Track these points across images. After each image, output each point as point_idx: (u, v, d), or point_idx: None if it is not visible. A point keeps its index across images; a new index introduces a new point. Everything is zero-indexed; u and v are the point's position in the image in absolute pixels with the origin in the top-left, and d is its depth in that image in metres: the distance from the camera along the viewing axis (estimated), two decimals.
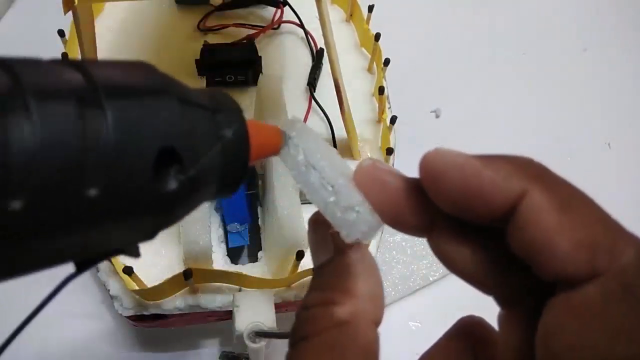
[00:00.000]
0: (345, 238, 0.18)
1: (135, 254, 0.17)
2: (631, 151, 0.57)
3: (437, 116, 0.56)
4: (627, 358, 0.14)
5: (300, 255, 0.36)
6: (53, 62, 0.14)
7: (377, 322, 0.17)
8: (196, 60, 0.44)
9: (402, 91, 0.51)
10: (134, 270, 0.36)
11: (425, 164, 0.17)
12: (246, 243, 0.41)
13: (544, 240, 0.15)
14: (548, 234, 0.15)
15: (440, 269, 0.48)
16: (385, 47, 0.46)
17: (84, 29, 0.32)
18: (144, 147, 0.14)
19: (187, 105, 0.16)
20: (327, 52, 0.36)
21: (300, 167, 0.18)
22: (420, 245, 0.49)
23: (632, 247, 0.15)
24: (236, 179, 0.18)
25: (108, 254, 0.16)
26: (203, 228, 0.34)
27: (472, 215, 0.16)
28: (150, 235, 0.16)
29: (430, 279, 0.48)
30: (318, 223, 0.19)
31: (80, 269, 0.17)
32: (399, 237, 0.49)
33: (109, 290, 0.38)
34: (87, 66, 0.14)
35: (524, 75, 0.60)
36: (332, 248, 0.18)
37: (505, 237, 0.16)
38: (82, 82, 0.14)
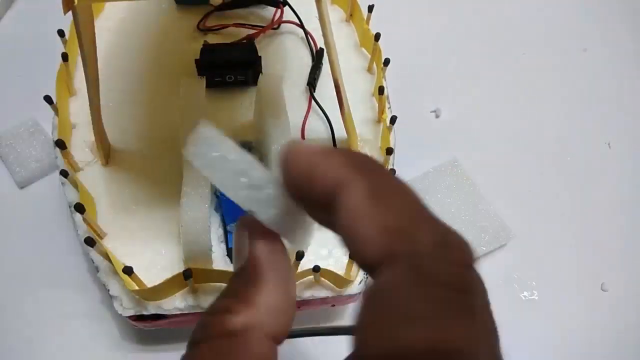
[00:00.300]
0: (261, 217, 0.18)
1: None
2: (631, 151, 0.57)
3: (437, 116, 0.56)
4: (424, 344, 0.14)
5: (299, 255, 0.35)
6: None
7: (277, 338, 0.17)
8: (196, 60, 0.44)
9: (402, 91, 0.51)
10: (134, 270, 0.36)
11: (283, 153, 0.18)
12: None
13: (352, 226, 0.16)
14: (356, 220, 0.16)
15: None
16: (385, 47, 0.46)
17: (83, 29, 0.32)
18: None
19: None
20: (327, 52, 0.36)
21: (215, 162, 0.18)
22: None
23: (431, 232, 0.15)
24: None
25: None
26: (203, 228, 0.34)
27: (310, 198, 0.17)
28: None
29: None
30: (240, 225, 0.19)
31: None
32: None
33: (108, 290, 0.38)
34: None
35: (523, 75, 0.60)
36: (246, 253, 0.18)
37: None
38: None
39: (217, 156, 0.18)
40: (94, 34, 0.35)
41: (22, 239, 0.48)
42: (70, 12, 0.29)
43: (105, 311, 0.45)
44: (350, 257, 0.18)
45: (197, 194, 0.35)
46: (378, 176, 0.16)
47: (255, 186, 0.18)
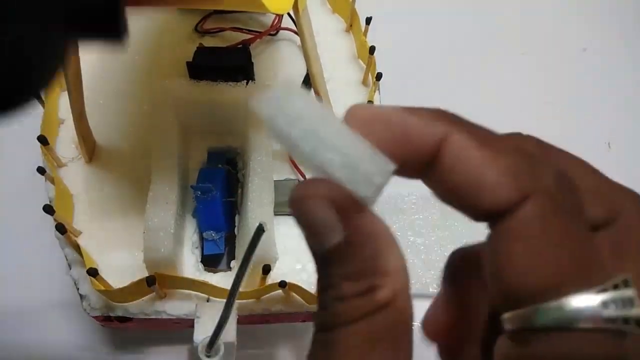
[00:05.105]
0: (365, 196, 0.16)
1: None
2: (631, 151, 0.57)
3: None
4: (580, 267, 0.15)
5: (265, 269, 0.35)
6: None
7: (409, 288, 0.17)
8: (187, 62, 0.44)
9: (401, 91, 0.50)
10: (105, 271, 0.36)
11: (351, 117, 0.17)
12: (221, 251, 0.40)
13: (472, 174, 0.16)
14: (475, 167, 0.16)
15: None
16: (385, 47, 0.45)
17: None
18: None
19: None
20: (307, 64, 0.35)
21: (300, 131, 0.16)
22: (436, 256, 0.48)
23: (550, 168, 0.16)
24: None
25: None
26: (166, 235, 0.34)
27: (404, 162, 0.17)
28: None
29: (430, 289, 0.47)
30: (316, 199, 0.16)
31: None
32: (420, 240, 0.48)
33: (78, 289, 0.38)
34: None
35: (523, 75, 0.60)
36: (341, 227, 0.16)
37: (435, 185, 0.17)
38: None
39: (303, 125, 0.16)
40: None
41: (23, 239, 0.47)
42: None
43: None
44: (464, 207, 0.17)
45: (163, 200, 0.35)
46: (475, 126, 0.17)
47: (356, 162, 0.16)
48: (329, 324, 0.16)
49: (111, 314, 0.38)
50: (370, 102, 0.43)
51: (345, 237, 0.16)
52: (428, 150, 0.16)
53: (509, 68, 0.60)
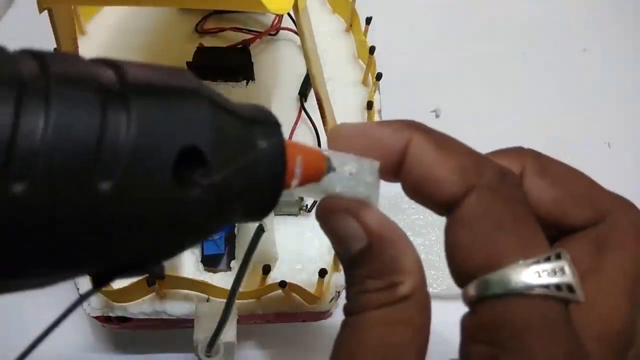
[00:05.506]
0: (367, 196, 0.19)
1: (158, 273, 0.16)
2: (631, 151, 0.56)
3: (437, 116, 0.56)
4: (515, 245, 0.17)
5: (265, 269, 0.35)
6: (90, 59, 0.15)
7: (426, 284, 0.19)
8: (187, 63, 0.44)
9: (401, 91, 0.50)
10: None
11: (334, 135, 0.20)
12: (221, 251, 0.40)
13: (428, 172, 0.19)
14: (431, 166, 0.19)
15: (443, 284, 0.47)
16: (385, 47, 0.45)
17: (61, 29, 0.32)
18: (165, 143, 0.14)
19: (219, 109, 0.16)
20: (307, 65, 0.35)
21: (349, 183, 0.19)
22: (436, 256, 0.48)
23: (492, 167, 0.19)
24: (268, 200, 0.17)
25: (128, 269, 0.15)
26: None
27: (382, 166, 0.20)
28: (172, 249, 0.16)
29: (430, 289, 0.46)
30: (339, 213, 0.19)
31: (96, 283, 0.16)
32: (420, 240, 0.48)
33: (78, 289, 0.38)
34: (120, 64, 0.14)
35: (523, 75, 0.60)
36: (364, 235, 0.19)
37: (404, 184, 0.20)
38: (111, 76, 0.14)
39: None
40: (74, 32, 0.35)
41: None
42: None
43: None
44: (425, 202, 0.20)
45: None
46: (433, 131, 0.20)
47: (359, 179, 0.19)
48: (355, 310, 0.19)
49: (111, 314, 0.38)
50: (370, 102, 0.43)
51: (367, 243, 0.19)
52: (397, 153, 0.19)
53: (509, 68, 0.60)
